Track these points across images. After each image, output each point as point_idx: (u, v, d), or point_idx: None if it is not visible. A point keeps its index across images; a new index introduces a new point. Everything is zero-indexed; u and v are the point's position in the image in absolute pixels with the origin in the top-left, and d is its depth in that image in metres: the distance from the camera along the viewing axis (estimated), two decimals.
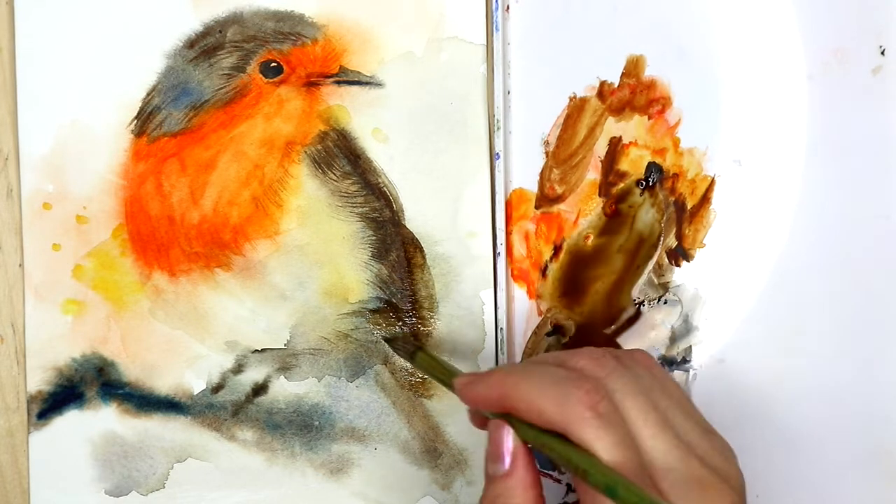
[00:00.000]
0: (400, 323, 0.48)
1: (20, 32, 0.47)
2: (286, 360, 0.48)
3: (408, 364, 0.48)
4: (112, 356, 0.48)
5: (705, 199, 0.49)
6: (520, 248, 0.49)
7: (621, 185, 0.49)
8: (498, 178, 0.48)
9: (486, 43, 0.49)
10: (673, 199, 0.49)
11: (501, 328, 0.48)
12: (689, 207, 0.49)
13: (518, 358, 0.49)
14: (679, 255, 0.49)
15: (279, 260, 0.48)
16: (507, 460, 0.36)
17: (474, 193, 0.49)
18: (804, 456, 0.49)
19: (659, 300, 0.49)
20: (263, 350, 0.48)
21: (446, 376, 0.42)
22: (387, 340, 0.48)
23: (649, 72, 0.49)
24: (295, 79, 0.48)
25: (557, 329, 0.49)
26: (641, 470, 0.34)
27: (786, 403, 0.49)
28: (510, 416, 0.37)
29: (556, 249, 0.49)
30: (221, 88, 0.48)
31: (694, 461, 0.35)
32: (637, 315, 0.49)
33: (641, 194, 0.49)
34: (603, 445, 0.34)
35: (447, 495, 0.48)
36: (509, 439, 0.36)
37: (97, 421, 0.48)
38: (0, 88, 0.48)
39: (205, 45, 0.48)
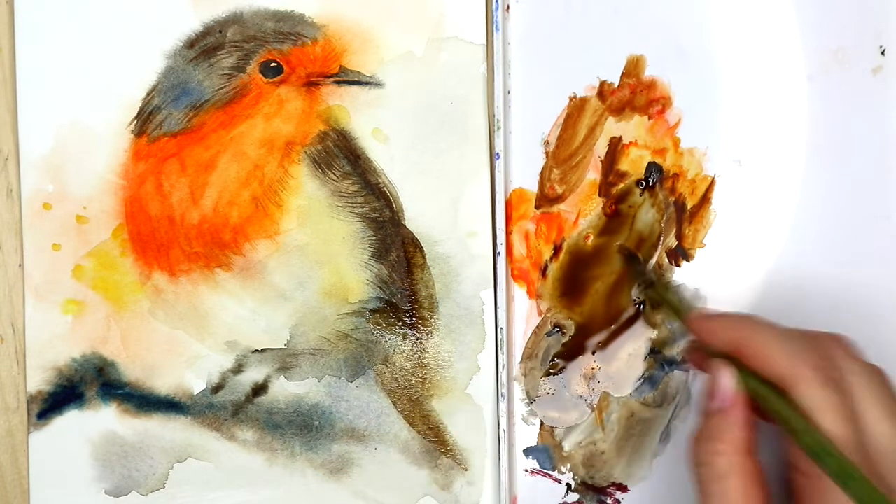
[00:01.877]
0: (400, 323, 0.48)
1: (20, 32, 0.47)
2: (286, 360, 0.48)
3: (408, 364, 0.48)
4: (112, 356, 0.48)
5: (705, 199, 0.49)
6: (520, 248, 0.49)
7: (621, 185, 0.49)
8: (498, 178, 0.48)
9: (486, 43, 0.49)
10: (673, 199, 0.49)
11: (501, 328, 0.48)
12: (689, 207, 0.49)
13: (518, 358, 0.49)
14: (679, 255, 0.49)
15: (279, 260, 0.48)
16: (728, 398, 0.37)
17: (474, 193, 0.49)
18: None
19: None
20: (263, 350, 0.48)
21: (680, 308, 0.43)
22: (625, 253, 0.48)
23: (649, 72, 0.49)
24: (295, 79, 0.48)
25: (557, 329, 0.49)
26: (859, 448, 0.35)
27: None
28: (734, 360, 0.38)
29: (556, 249, 0.49)
30: (221, 88, 0.48)
31: None
32: (637, 315, 0.49)
33: (641, 194, 0.49)
34: (825, 412, 0.35)
35: (447, 495, 0.48)
36: (730, 380, 0.37)
37: (97, 421, 0.48)
38: (0, 88, 0.48)
39: (205, 45, 0.48)
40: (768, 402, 0.36)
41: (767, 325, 0.38)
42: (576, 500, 0.49)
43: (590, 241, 0.49)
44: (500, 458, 0.48)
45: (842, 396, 0.35)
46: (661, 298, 0.45)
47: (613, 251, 0.49)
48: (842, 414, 0.35)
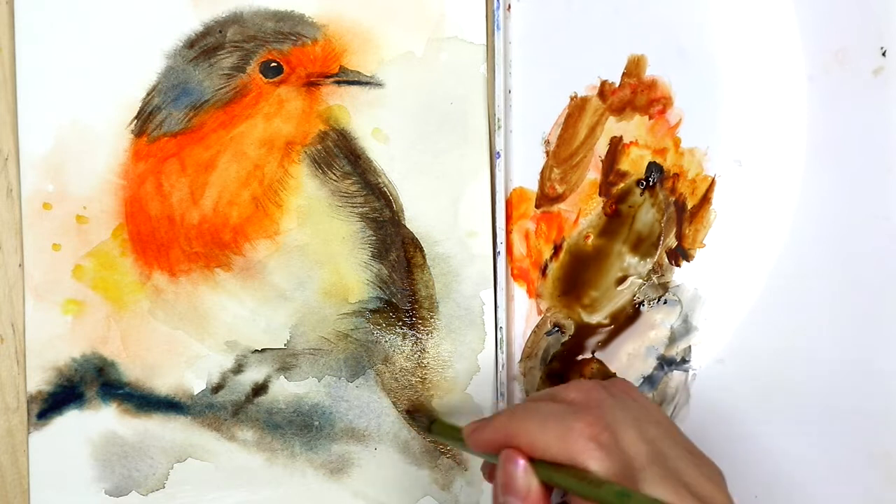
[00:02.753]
0: (400, 323, 0.48)
1: (20, 32, 0.47)
2: (286, 360, 0.48)
3: (408, 364, 0.48)
4: (112, 356, 0.48)
5: (705, 199, 0.49)
6: (520, 248, 0.49)
7: (622, 184, 0.49)
8: (498, 178, 0.48)
9: (486, 43, 0.49)
10: (673, 199, 0.49)
11: (501, 328, 0.48)
12: (689, 207, 0.49)
13: (518, 357, 0.49)
14: (679, 255, 0.49)
15: (279, 260, 0.48)
16: (521, 491, 0.37)
17: (474, 193, 0.49)
18: (804, 456, 0.49)
19: (659, 300, 0.49)
20: (263, 350, 0.48)
21: (457, 435, 0.42)
22: (407, 412, 0.48)
23: (650, 72, 0.49)
24: (295, 79, 0.48)
25: (557, 328, 0.49)
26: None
27: (784, 403, 0.49)
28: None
29: (557, 249, 0.49)
30: (221, 88, 0.48)
31: (682, 490, 0.35)
32: (637, 315, 0.49)
33: (642, 194, 0.49)
34: (607, 475, 0.35)
35: (447, 495, 0.48)
36: (521, 471, 0.37)
37: (97, 421, 0.48)
38: (0, 88, 0.48)
39: (205, 45, 0.48)
40: (561, 481, 0.36)
41: (534, 410, 0.38)
42: None
43: (590, 241, 0.49)
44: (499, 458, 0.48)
45: (616, 455, 0.36)
46: (442, 435, 0.45)
47: (614, 251, 0.49)
48: (618, 472, 0.35)
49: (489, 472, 0.43)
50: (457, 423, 0.44)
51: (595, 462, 0.35)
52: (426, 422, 0.47)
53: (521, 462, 0.37)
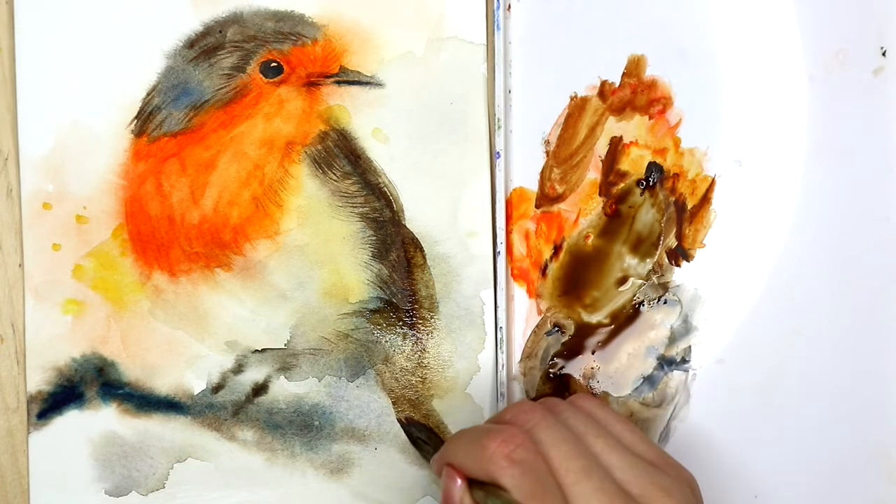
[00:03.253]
0: (400, 323, 0.48)
1: (20, 32, 0.47)
2: (286, 360, 0.48)
3: (408, 364, 0.48)
4: (112, 356, 0.48)
5: (705, 199, 0.49)
6: (520, 248, 0.49)
7: (622, 184, 0.49)
8: (498, 178, 0.48)
9: (486, 42, 0.49)
10: (673, 199, 0.49)
11: (501, 328, 0.48)
12: (689, 207, 0.49)
13: (517, 357, 0.49)
14: (679, 255, 0.49)
15: (279, 260, 0.48)
16: None
17: (474, 193, 0.49)
18: (803, 456, 0.49)
19: (659, 300, 0.49)
20: (263, 350, 0.48)
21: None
22: (414, 441, 0.49)
23: (650, 72, 0.49)
24: (295, 79, 0.48)
25: (557, 328, 0.49)
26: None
27: (785, 403, 0.49)
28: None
29: (557, 249, 0.49)
30: (221, 88, 0.48)
31: (621, 501, 0.35)
32: (637, 315, 0.49)
33: (642, 194, 0.49)
34: (520, 492, 0.35)
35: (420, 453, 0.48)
36: (457, 489, 0.38)
37: (97, 421, 0.48)
38: (0, 88, 0.48)
39: (205, 45, 0.48)
40: (489, 499, 0.37)
41: (461, 434, 0.39)
42: None
43: (590, 241, 0.49)
44: None
45: (533, 472, 0.36)
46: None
47: (614, 251, 0.49)
48: (534, 489, 0.35)
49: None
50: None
51: (508, 479, 0.36)
52: (431, 450, 0.48)
53: (458, 480, 0.38)
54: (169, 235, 0.48)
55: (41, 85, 0.47)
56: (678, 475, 0.38)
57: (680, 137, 0.49)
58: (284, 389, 0.48)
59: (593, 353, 0.49)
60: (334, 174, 0.48)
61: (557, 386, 0.49)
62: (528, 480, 0.35)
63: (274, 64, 0.48)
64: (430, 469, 0.48)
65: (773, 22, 0.49)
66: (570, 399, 0.42)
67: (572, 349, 0.49)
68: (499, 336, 0.48)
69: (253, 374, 0.48)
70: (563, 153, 0.49)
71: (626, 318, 0.49)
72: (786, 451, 0.49)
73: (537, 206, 0.49)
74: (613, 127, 0.49)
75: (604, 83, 0.49)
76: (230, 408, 0.48)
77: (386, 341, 0.48)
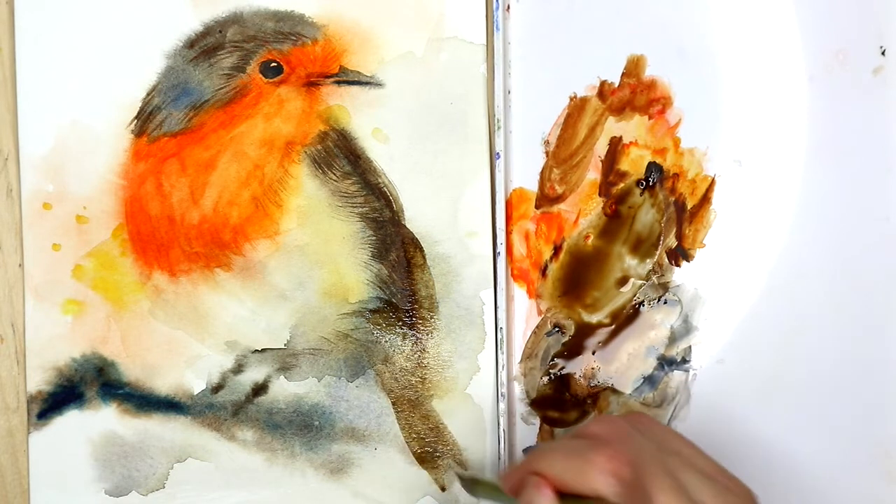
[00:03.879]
0: (400, 323, 0.48)
1: (20, 32, 0.47)
2: (286, 360, 0.48)
3: (408, 364, 0.48)
4: (112, 356, 0.48)
5: (705, 199, 0.49)
6: (520, 248, 0.49)
7: (621, 184, 0.49)
8: (498, 178, 0.48)
9: (486, 43, 0.49)
10: (673, 199, 0.49)
11: (501, 328, 0.48)
12: (689, 207, 0.49)
13: (517, 357, 0.49)
14: (679, 255, 0.49)
15: (279, 260, 0.48)
16: None
17: (474, 193, 0.49)
18: (804, 456, 0.49)
19: (659, 300, 0.49)
20: (263, 350, 0.48)
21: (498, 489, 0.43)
22: (461, 478, 0.48)
23: (650, 72, 0.49)
24: (295, 79, 0.48)
25: (557, 329, 0.49)
26: None
27: (785, 403, 0.49)
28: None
29: (557, 249, 0.49)
30: (221, 88, 0.48)
31: None
32: (637, 315, 0.49)
33: (641, 194, 0.49)
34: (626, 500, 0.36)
35: (447, 495, 0.48)
36: (546, 501, 0.37)
37: (97, 421, 0.48)
38: (0, 88, 0.48)
39: (205, 45, 0.48)
40: None
41: (556, 447, 0.39)
42: None
43: (590, 241, 0.49)
44: (500, 458, 0.48)
45: (637, 492, 0.36)
46: (485, 494, 0.46)
47: (614, 251, 0.49)
48: (639, 496, 0.36)
49: None
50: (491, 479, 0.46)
51: (615, 496, 0.36)
52: (469, 484, 0.47)
53: (547, 492, 0.37)
54: (169, 235, 0.48)
55: (41, 85, 0.47)
56: (740, 490, 0.38)
57: (680, 137, 0.49)
58: (284, 389, 0.48)
59: (594, 353, 0.49)
60: (334, 174, 0.48)
61: (558, 386, 0.49)
62: (632, 498, 0.36)
63: (274, 64, 0.48)
64: (428, 470, 0.48)
65: (773, 22, 0.49)
66: (636, 416, 0.42)
67: (572, 349, 0.49)
68: (499, 336, 0.48)
69: (253, 374, 0.48)
70: (562, 153, 0.49)
71: (626, 318, 0.49)
72: (786, 451, 0.49)
73: (537, 207, 0.49)
74: (613, 127, 0.49)
75: (603, 83, 0.49)
76: (230, 408, 0.48)
77: (386, 341, 0.48)
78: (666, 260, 0.49)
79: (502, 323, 0.48)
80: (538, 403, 0.49)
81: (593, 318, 0.49)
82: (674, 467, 0.37)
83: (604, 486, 0.36)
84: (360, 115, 0.48)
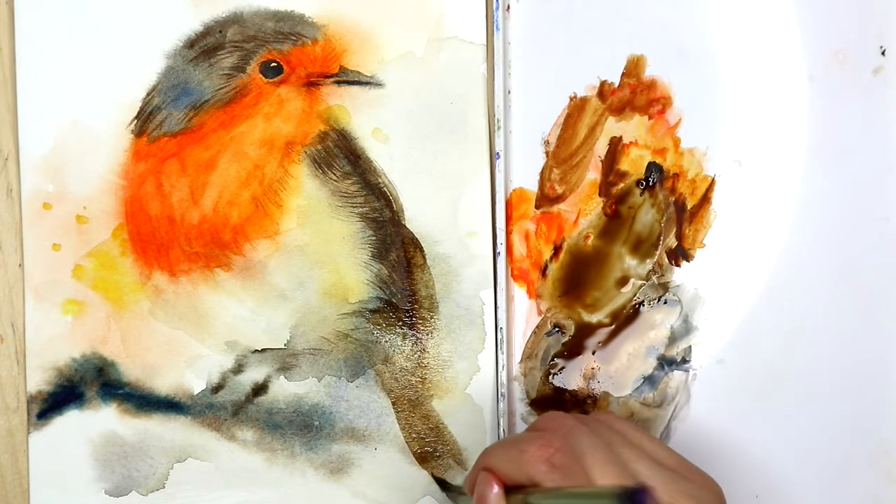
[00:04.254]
0: (400, 323, 0.48)
1: (20, 32, 0.47)
2: (286, 360, 0.48)
3: (408, 364, 0.48)
4: (112, 356, 0.48)
5: (705, 199, 0.49)
6: (520, 248, 0.49)
7: (621, 184, 0.49)
8: (498, 178, 0.48)
9: (486, 43, 0.49)
10: (673, 199, 0.49)
11: (501, 328, 0.48)
12: (689, 207, 0.49)
13: (518, 357, 0.49)
14: (679, 255, 0.49)
15: (279, 260, 0.48)
16: None
17: (474, 193, 0.49)
18: (804, 456, 0.49)
19: (659, 300, 0.49)
20: (263, 350, 0.48)
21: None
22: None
23: (650, 72, 0.49)
24: (295, 79, 0.48)
25: (557, 329, 0.49)
26: None
27: (785, 403, 0.49)
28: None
29: (557, 249, 0.49)
30: (221, 88, 0.48)
31: None
32: (637, 315, 0.49)
33: (641, 194, 0.49)
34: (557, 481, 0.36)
35: (447, 495, 0.48)
36: (494, 495, 0.38)
37: (97, 421, 0.48)
38: (0, 88, 0.48)
39: (205, 45, 0.48)
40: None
41: (499, 442, 0.40)
42: None
43: (590, 241, 0.49)
44: None
45: (573, 476, 0.36)
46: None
47: (614, 251, 0.49)
48: (578, 482, 0.36)
49: None
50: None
51: (549, 482, 0.36)
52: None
53: (495, 486, 0.37)
54: (169, 235, 0.48)
55: (41, 85, 0.47)
56: (703, 482, 0.38)
57: (679, 137, 0.49)
58: (284, 389, 0.48)
59: (594, 353, 0.49)
60: (334, 174, 0.48)
61: (558, 386, 0.49)
62: (568, 482, 0.36)
63: (274, 64, 0.48)
64: (427, 470, 0.48)
65: (773, 22, 0.49)
66: (593, 415, 0.42)
67: (572, 349, 0.49)
68: (499, 336, 0.48)
69: (253, 374, 0.48)
70: (562, 153, 0.49)
71: (626, 318, 0.49)
72: (786, 451, 0.49)
73: (537, 207, 0.49)
74: (613, 127, 0.49)
75: (603, 83, 0.49)
76: (230, 408, 0.48)
77: (386, 341, 0.48)
78: (666, 260, 0.49)
79: (502, 323, 0.48)
80: (538, 403, 0.49)
81: (593, 318, 0.49)
82: (627, 458, 0.38)
83: (537, 473, 0.36)
84: (360, 115, 0.48)
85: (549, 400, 0.49)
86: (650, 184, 0.49)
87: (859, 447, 0.49)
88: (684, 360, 0.49)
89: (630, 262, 0.49)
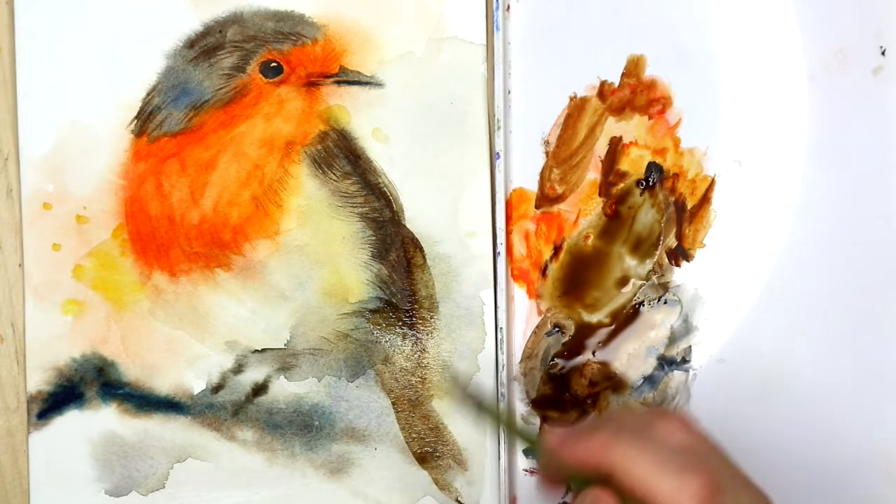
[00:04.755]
0: (400, 323, 0.48)
1: (20, 32, 0.47)
2: (286, 360, 0.48)
3: (408, 364, 0.48)
4: (112, 356, 0.48)
5: (705, 199, 0.49)
6: (520, 248, 0.49)
7: (621, 184, 0.49)
8: (498, 178, 0.48)
9: (486, 43, 0.49)
10: (673, 199, 0.49)
11: (501, 328, 0.48)
12: (689, 207, 0.49)
13: (518, 357, 0.49)
14: (679, 255, 0.49)
15: (279, 260, 0.48)
16: None
17: (474, 193, 0.49)
18: (804, 456, 0.49)
19: (659, 300, 0.49)
20: (263, 350, 0.48)
21: (530, 434, 0.42)
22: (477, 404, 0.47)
23: (650, 72, 0.49)
24: (295, 79, 0.48)
25: (557, 329, 0.49)
26: None
27: (785, 403, 0.49)
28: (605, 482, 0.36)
29: (557, 249, 0.49)
30: (221, 88, 0.48)
31: None
32: (637, 315, 0.49)
33: (641, 194, 0.49)
34: None
35: (447, 495, 0.48)
36: None
37: (97, 421, 0.48)
38: (0, 88, 0.48)
39: (205, 45, 0.48)
40: None
41: (644, 448, 0.36)
42: None
43: (590, 241, 0.49)
44: (499, 458, 0.48)
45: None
46: (509, 427, 0.45)
47: (614, 251, 0.49)
48: None
49: (553, 479, 0.40)
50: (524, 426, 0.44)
51: None
52: (470, 402, 0.46)
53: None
54: (169, 235, 0.48)
55: (41, 85, 0.47)
56: (761, 497, 0.37)
57: (679, 137, 0.49)
58: (284, 389, 0.48)
59: (594, 353, 0.49)
60: (334, 174, 0.48)
61: (558, 386, 0.49)
62: None
63: (274, 64, 0.48)
64: (427, 470, 0.48)
65: (772, 22, 0.49)
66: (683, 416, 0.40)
67: (573, 349, 0.49)
68: (499, 336, 0.48)
69: (253, 374, 0.48)
70: (562, 153, 0.49)
71: (626, 318, 0.49)
72: (786, 452, 0.49)
73: (537, 207, 0.49)
74: (613, 127, 0.49)
75: (603, 83, 0.49)
76: (230, 408, 0.48)
77: (386, 341, 0.48)
78: (666, 260, 0.49)
79: (502, 323, 0.48)
80: (538, 403, 0.49)
81: (593, 318, 0.49)
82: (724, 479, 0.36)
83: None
84: (360, 115, 0.48)
85: (549, 400, 0.49)
86: (650, 184, 0.49)
87: (859, 447, 0.49)
88: (684, 360, 0.49)
89: (630, 262, 0.49)
